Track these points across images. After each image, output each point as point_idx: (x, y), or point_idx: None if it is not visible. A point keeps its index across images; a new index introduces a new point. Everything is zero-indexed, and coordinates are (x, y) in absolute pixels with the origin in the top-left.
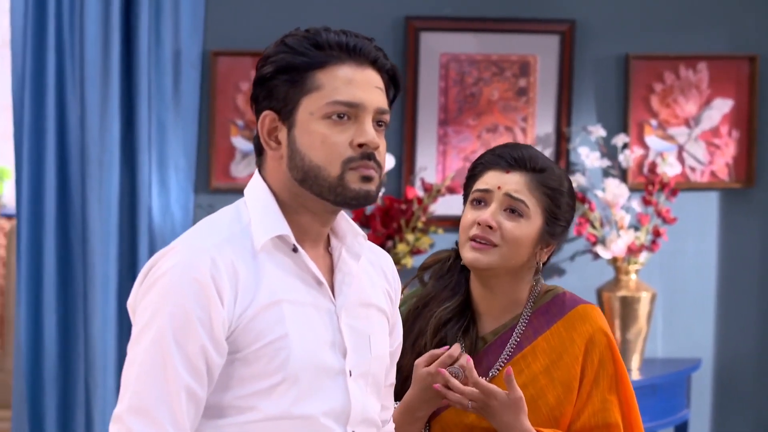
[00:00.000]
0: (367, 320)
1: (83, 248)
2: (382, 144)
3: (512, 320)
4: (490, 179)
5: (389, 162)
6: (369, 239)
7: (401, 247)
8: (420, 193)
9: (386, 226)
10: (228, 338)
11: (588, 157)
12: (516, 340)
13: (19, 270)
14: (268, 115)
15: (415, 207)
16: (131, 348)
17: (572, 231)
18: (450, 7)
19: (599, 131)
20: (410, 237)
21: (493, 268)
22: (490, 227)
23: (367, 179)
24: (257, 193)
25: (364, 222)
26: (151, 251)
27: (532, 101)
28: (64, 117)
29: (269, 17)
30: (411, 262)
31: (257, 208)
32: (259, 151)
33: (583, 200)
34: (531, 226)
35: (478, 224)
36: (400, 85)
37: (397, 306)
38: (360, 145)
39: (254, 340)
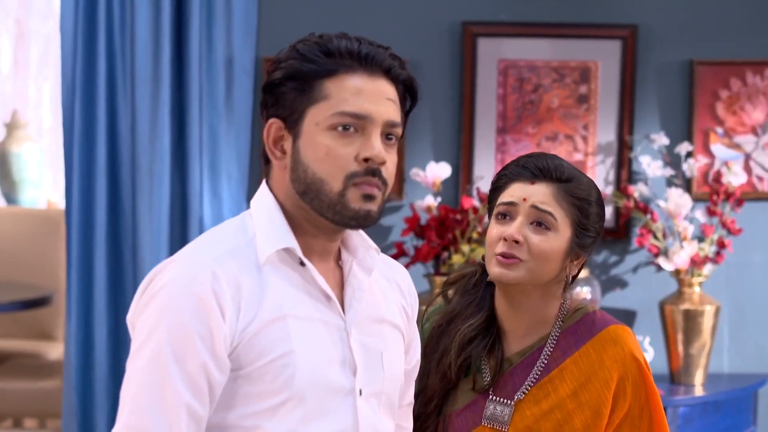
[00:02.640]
0: (379, 337)
1: (133, 258)
2: (391, 159)
3: (540, 341)
4: (515, 191)
5: (445, 170)
6: (424, 250)
7: (456, 258)
8: (476, 202)
9: (441, 236)
10: (230, 354)
11: (650, 166)
12: (543, 362)
13: (69, 281)
14: (274, 123)
15: (471, 217)
16: (129, 364)
17: (634, 242)
18: (508, 12)
19: (662, 139)
20: (465, 248)
21: (521, 284)
22: (517, 242)
23: (368, 198)
24: (263, 204)
25: (419, 233)
26: None
27: (593, 108)
28: (115, 125)
29: (322, 23)
30: None
31: (263, 220)
32: (267, 160)
33: (645, 210)
34: (559, 238)
35: (504, 240)
36: (417, 95)
37: (414, 322)
38: (366, 160)
39: (258, 356)
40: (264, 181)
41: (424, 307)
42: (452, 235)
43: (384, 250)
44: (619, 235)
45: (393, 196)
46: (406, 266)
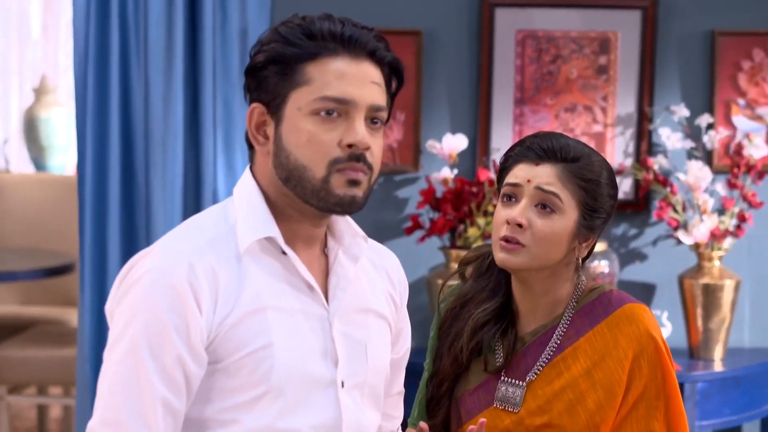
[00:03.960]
0: (364, 327)
1: (147, 232)
2: (376, 143)
3: (553, 320)
4: (520, 172)
5: (461, 142)
6: (439, 223)
7: (472, 231)
8: (492, 175)
9: (457, 209)
10: (207, 347)
11: (669, 138)
12: (557, 342)
13: (83, 254)
14: (256, 108)
15: (487, 190)
16: (106, 357)
17: (653, 215)
18: None
19: (683, 111)
20: (481, 221)
21: (526, 269)
22: (520, 225)
23: (353, 183)
24: (245, 191)
25: (434, 205)
26: None
27: (612, 80)
28: (128, 97)
29: None
30: None
31: (244, 207)
32: (250, 145)
33: (665, 183)
34: (565, 220)
35: (508, 223)
36: (403, 77)
37: (404, 310)
38: (349, 146)
39: (235, 349)
40: (248, 167)
41: (440, 283)
42: (468, 208)
43: (399, 222)
44: (639, 207)
45: (409, 167)
46: (421, 239)
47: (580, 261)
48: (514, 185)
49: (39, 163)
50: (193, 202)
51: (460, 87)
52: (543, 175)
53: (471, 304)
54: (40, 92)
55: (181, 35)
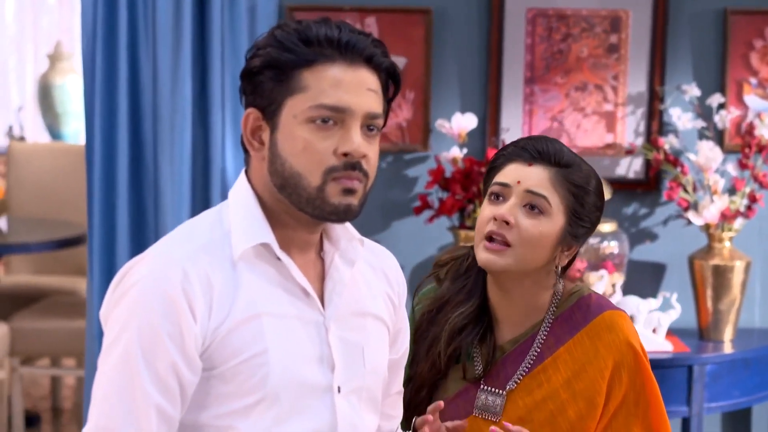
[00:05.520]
0: (361, 331)
1: (155, 212)
2: (372, 151)
3: (533, 328)
4: (511, 172)
5: (471, 122)
6: (448, 203)
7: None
8: None
9: (466, 189)
10: (202, 354)
11: (680, 118)
12: (536, 351)
13: (92, 235)
14: (252, 113)
15: None
16: (100, 363)
17: (663, 195)
18: None
19: (694, 90)
20: None
21: (509, 272)
22: (507, 223)
23: (348, 192)
24: (240, 196)
25: (443, 185)
26: None
27: (623, 58)
28: (136, 76)
29: None
30: None
31: (239, 213)
32: (246, 149)
33: (675, 163)
34: (552, 224)
35: (494, 219)
36: (400, 83)
37: (402, 310)
38: (345, 154)
39: (231, 356)
40: (243, 171)
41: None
42: (477, 188)
43: (408, 202)
44: (649, 187)
45: (418, 147)
46: (430, 219)
47: (559, 269)
48: (504, 185)
49: (54, 130)
50: (202, 180)
51: (470, 66)
52: (534, 176)
53: (447, 306)
54: (54, 59)
55: (189, 12)
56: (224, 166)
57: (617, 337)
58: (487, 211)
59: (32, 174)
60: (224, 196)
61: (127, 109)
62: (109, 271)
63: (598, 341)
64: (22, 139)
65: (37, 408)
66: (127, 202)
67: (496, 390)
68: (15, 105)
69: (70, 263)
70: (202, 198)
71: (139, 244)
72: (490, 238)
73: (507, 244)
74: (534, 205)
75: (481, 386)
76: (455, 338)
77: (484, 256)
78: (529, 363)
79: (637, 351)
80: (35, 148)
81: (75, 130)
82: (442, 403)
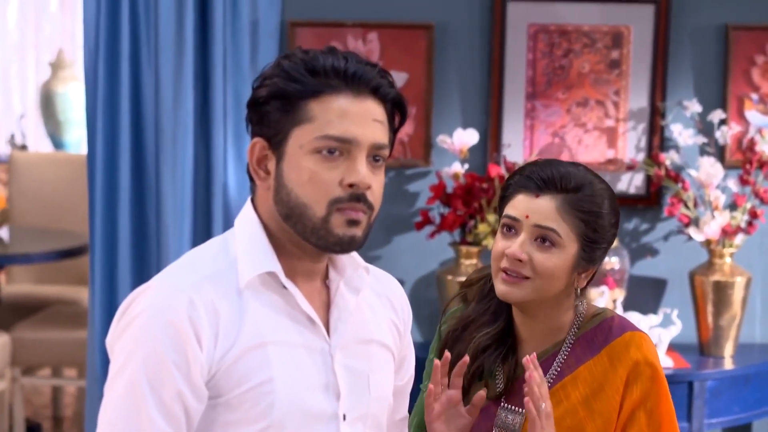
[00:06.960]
0: (366, 359)
1: (157, 224)
2: (377, 181)
3: (554, 346)
4: (519, 204)
5: (472, 137)
6: (449, 218)
7: (482, 228)
8: (503, 171)
9: (467, 204)
10: (208, 382)
11: (681, 135)
12: (557, 369)
13: (93, 248)
14: (258, 143)
15: (498, 185)
16: (107, 391)
17: (664, 211)
18: None
19: (695, 106)
20: (491, 217)
21: (528, 300)
22: (520, 260)
23: (353, 223)
24: (246, 224)
25: (445, 201)
26: (226, 228)
27: (624, 74)
28: (138, 90)
29: None
30: (491, 243)
31: (245, 241)
32: (251, 177)
33: (677, 179)
34: (565, 254)
35: (507, 256)
36: (407, 113)
37: (408, 336)
38: (350, 185)
39: (237, 384)
40: (249, 199)
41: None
42: (478, 204)
43: (409, 217)
44: (650, 202)
45: (419, 162)
46: (431, 235)
47: (578, 291)
48: (514, 219)
49: (55, 137)
50: (203, 191)
51: (472, 81)
52: (542, 209)
53: (473, 326)
54: (57, 67)
55: (192, 25)
56: (226, 178)
57: (636, 356)
58: (500, 244)
59: (34, 183)
60: (226, 209)
61: (129, 122)
62: (110, 281)
63: (617, 361)
64: (24, 147)
65: (38, 416)
66: (129, 212)
67: (516, 408)
68: (17, 113)
69: (71, 273)
70: (204, 210)
71: (140, 255)
72: (505, 271)
73: (523, 277)
74: (545, 238)
75: (502, 404)
76: (479, 357)
77: (502, 288)
78: (549, 381)
79: (656, 369)
80: (37, 157)
81: (77, 137)
82: (468, 358)
